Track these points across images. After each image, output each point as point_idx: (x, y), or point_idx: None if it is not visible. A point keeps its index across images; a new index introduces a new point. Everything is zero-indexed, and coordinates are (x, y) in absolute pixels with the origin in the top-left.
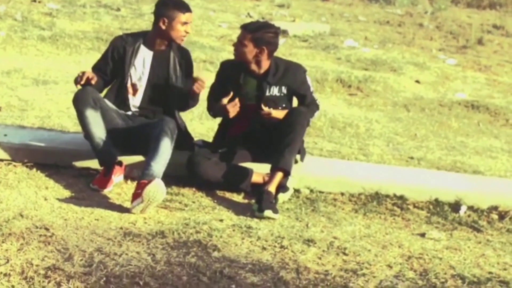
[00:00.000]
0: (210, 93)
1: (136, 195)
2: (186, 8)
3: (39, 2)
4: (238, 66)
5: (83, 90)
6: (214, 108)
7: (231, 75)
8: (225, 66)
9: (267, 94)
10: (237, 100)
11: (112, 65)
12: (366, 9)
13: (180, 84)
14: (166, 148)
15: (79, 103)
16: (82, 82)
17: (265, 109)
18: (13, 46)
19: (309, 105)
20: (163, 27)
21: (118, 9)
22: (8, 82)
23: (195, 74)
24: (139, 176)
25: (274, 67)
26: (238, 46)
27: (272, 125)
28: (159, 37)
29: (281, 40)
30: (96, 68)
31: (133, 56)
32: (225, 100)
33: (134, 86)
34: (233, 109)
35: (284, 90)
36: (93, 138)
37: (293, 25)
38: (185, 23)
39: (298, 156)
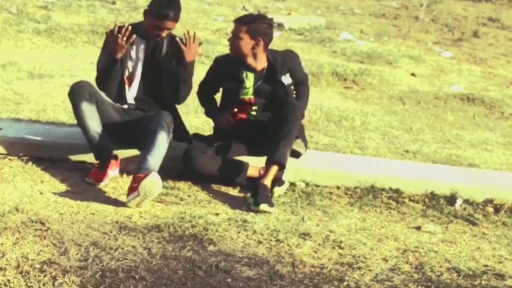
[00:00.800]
0: (202, 90)
1: (132, 188)
2: (165, 16)
3: None
4: (234, 61)
5: (79, 84)
6: (209, 109)
7: (229, 70)
8: (220, 62)
9: (286, 83)
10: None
11: None
12: (362, 2)
13: (173, 73)
14: (162, 142)
15: (75, 96)
16: (125, 38)
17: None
18: (8, 39)
19: (303, 83)
20: (144, 20)
21: (114, 2)
22: (3, 75)
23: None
24: (135, 169)
25: (273, 59)
26: (234, 40)
27: (268, 119)
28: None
29: (277, 33)
30: (101, 62)
31: (129, 46)
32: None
33: (130, 77)
34: (228, 122)
35: (289, 78)
36: (89, 131)
37: (288, 18)
38: (159, 27)
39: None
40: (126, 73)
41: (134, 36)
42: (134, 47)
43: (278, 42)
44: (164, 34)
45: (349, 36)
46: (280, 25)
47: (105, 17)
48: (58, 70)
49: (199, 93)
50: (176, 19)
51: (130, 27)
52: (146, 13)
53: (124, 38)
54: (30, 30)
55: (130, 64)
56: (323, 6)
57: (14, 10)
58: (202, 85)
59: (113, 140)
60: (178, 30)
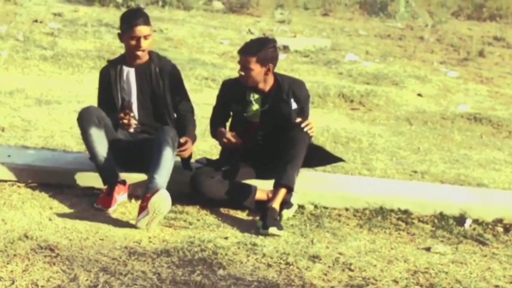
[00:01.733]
0: (213, 114)
1: (142, 208)
2: (135, 23)
3: (41, 22)
4: (241, 84)
5: (87, 109)
6: (215, 131)
7: (235, 93)
8: (228, 85)
9: (293, 108)
10: (234, 136)
11: (107, 93)
12: (367, 23)
13: (166, 94)
14: (167, 158)
15: (83, 121)
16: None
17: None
18: (15, 66)
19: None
20: (122, 43)
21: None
22: (11, 102)
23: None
24: (143, 191)
25: (281, 82)
26: (246, 72)
27: (275, 142)
28: (128, 53)
29: (282, 56)
30: (101, 103)
31: (118, 78)
32: (228, 134)
33: (128, 105)
34: (230, 139)
35: (294, 104)
36: (97, 156)
37: (294, 41)
38: (134, 38)
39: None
40: (122, 103)
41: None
42: (125, 77)
43: (285, 64)
44: (143, 43)
45: (355, 57)
46: (286, 48)
47: (111, 42)
48: (65, 96)
49: (212, 119)
50: (146, 22)
51: (134, 119)
52: (120, 36)
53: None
54: (37, 56)
55: (124, 95)
56: (328, 28)
57: (20, 37)
58: (214, 110)
59: (121, 164)
60: (184, 53)
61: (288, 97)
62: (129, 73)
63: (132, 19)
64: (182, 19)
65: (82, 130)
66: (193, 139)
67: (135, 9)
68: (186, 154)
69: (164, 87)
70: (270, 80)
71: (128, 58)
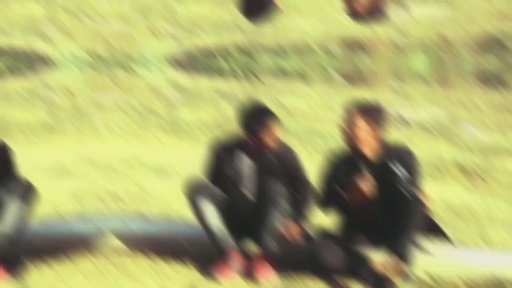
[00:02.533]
0: (322, 201)
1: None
2: (261, 125)
3: (158, 91)
4: (349, 157)
5: (195, 181)
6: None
7: (346, 167)
8: (336, 161)
9: (402, 175)
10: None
11: (216, 175)
12: (485, 95)
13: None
14: (272, 218)
15: (191, 193)
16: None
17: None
18: (133, 135)
19: None
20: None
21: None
22: (128, 171)
23: None
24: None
25: (387, 150)
26: (351, 128)
27: (391, 212)
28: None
29: (399, 127)
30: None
31: (233, 167)
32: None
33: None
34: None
35: (403, 171)
36: (209, 229)
37: (410, 111)
38: (265, 135)
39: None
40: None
41: None
42: (240, 166)
43: (401, 135)
44: (276, 132)
45: (472, 128)
46: (402, 118)
47: (230, 114)
48: (183, 167)
49: (323, 207)
50: (273, 117)
51: None
52: (243, 132)
53: None
54: (155, 126)
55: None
56: (445, 99)
57: (138, 106)
58: (321, 199)
59: (235, 233)
60: (301, 123)
61: (395, 165)
62: (245, 162)
63: (255, 121)
64: (300, 89)
65: (190, 202)
66: (301, 222)
67: (262, 110)
68: (289, 237)
69: (282, 181)
70: (376, 147)
71: (254, 147)
